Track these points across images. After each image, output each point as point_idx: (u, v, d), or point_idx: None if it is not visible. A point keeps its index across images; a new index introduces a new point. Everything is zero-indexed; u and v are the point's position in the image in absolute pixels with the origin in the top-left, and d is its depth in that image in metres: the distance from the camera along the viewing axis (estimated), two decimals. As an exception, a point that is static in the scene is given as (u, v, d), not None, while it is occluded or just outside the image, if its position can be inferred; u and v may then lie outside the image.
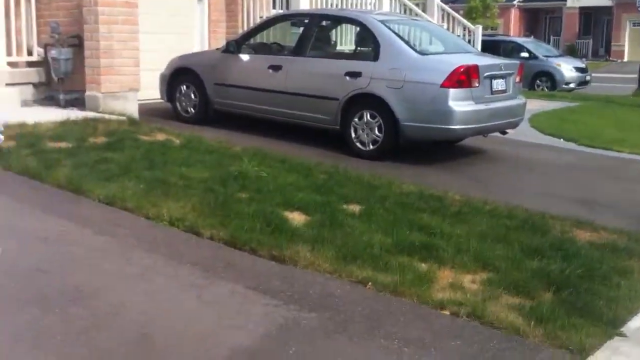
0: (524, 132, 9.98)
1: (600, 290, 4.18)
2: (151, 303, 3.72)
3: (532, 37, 33.00)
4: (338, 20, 9.57)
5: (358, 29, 8.55)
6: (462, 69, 7.41)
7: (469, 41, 15.32)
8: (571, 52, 37.87)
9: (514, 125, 8.49)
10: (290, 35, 9.78)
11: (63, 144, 6.75)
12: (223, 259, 4.44)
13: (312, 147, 8.14)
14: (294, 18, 9.55)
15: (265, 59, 8.80)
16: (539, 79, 20.01)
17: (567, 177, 7.75)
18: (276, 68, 8.51)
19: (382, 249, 4.64)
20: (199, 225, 4.89)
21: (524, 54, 19.67)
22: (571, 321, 3.74)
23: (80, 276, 3.99)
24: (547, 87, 19.91)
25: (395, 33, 8.01)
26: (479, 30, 16.63)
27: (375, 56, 7.88)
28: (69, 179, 5.72)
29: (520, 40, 23.50)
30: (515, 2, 46.45)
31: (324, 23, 9.09)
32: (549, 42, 38.61)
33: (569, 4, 45.50)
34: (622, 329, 3.73)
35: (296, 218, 5.17)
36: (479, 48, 15.19)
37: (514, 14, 47.06)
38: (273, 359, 3.24)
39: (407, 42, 8.01)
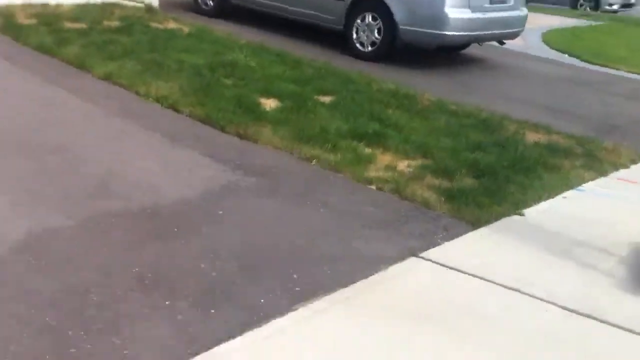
0: (533, 46, 10.20)
1: (519, 180, 4.68)
2: (115, 158, 4.37)
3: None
4: None
5: None
6: (455, -23, 7.67)
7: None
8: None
9: (512, 36, 8.73)
10: None
11: (78, 25, 7.35)
12: (192, 132, 5.05)
13: (318, 46, 8.55)
14: None
15: (279, -44, 9.10)
16: (583, -1, 19.60)
17: (552, 89, 8.07)
18: (289, -34, 8.85)
19: (337, 133, 5.18)
20: (180, 103, 5.48)
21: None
22: (477, 200, 4.27)
23: (63, 134, 4.65)
24: (589, 7, 19.45)
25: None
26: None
27: (381, -41, 8.13)
28: (77, 56, 6.34)
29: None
30: None
31: None
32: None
33: None
34: (523, 211, 4.24)
35: (269, 104, 5.72)
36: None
37: None
38: (208, 209, 3.86)
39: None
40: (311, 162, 4.71)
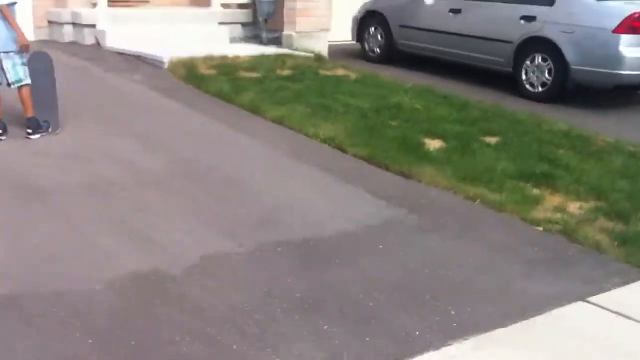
0: None
1: None
2: (284, 193, 4.58)
3: None
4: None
5: (538, -26, 8.63)
6: (636, 16, 7.29)
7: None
8: None
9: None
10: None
11: (253, 74, 7.84)
12: (357, 171, 5.17)
13: (487, 88, 8.43)
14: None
15: (446, 2, 9.18)
16: None
17: None
18: (456, 11, 8.91)
19: (503, 174, 5.06)
20: (346, 144, 5.65)
21: None
22: (655, 245, 3.96)
23: (238, 171, 4.96)
24: None
25: (573, -21, 8.01)
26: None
27: (551, 1, 7.96)
28: (252, 101, 6.75)
29: None
30: None
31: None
32: None
33: None
34: None
35: (434, 144, 5.72)
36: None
37: None
38: (370, 243, 3.92)
39: (583, -12, 7.97)
40: (475, 201, 4.64)
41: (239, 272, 3.46)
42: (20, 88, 5.26)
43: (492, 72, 8.63)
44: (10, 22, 5.07)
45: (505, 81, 8.38)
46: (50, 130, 5.46)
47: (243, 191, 4.59)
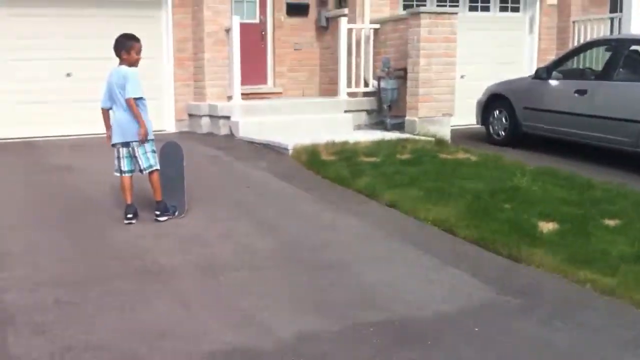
0: None
1: None
2: (385, 274, 4.64)
3: None
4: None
5: (669, 52, 8.35)
6: None
7: None
8: None
9: None
10: (602, 60, 9.77)
11: (372, 159, 8.06)
12: (463, 253, 5.14)
13: (613, 169, 8.13)
14: (605, 44, 9.56)
15: (571, 83, 9.06)
16: None
17: None
18: (582, 92, 8.75)
19: (619, 257, 4.84)
20: (456, 226, 5.65)
21: None
22: None
23: (340, 253, 5.10)
24: None
25: None
26: None
27: (678, 78, 7.67)
28: (367, 185, 6.94)
29: None
30: None
31: (633, 47, 8.96)
32: None
33: None
34: None
35: (547, 227, 5.57)
36: None
37: None
38: (469, 326, 3.87)
39: None
40: (585, 285, 4.46)
41: (329, 351, 3.54)
42: (150, 173, 5.79)
43: (621, 152, 8.32)
44: (134, 114, 5.62)
45: (637, 162, 8.04)
46: (176, 213, 5.91)
47: (345, 272, 4.71)
